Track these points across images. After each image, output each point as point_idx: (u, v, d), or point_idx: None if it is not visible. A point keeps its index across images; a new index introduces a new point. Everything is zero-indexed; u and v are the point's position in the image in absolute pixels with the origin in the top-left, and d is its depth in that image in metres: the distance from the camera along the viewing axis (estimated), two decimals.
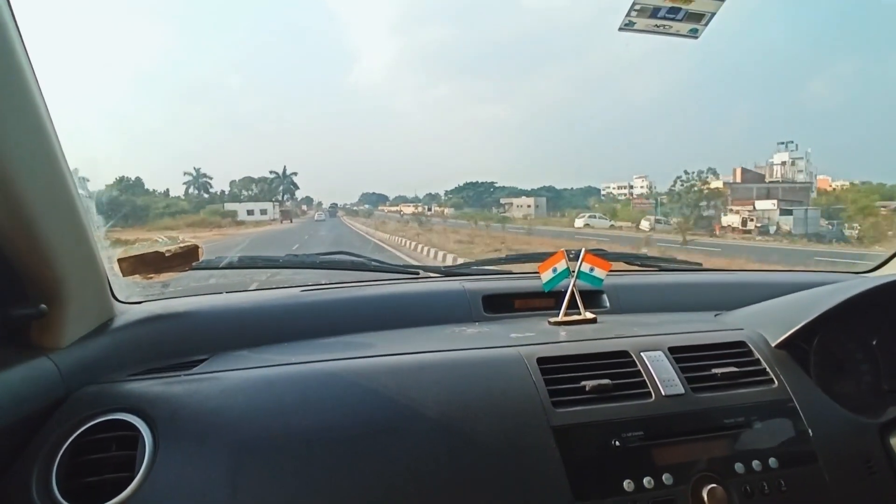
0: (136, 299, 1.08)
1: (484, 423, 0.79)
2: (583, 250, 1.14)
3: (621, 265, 1.47)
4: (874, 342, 1.13)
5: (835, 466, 0.85)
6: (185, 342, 0.99)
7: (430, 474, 0.74)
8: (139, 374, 0.88)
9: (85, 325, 0.90)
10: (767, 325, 1.02)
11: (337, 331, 1.08)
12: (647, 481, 0.78)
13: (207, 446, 0.73)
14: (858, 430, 0.90)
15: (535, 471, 0.76)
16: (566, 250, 1.15)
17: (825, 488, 0.83)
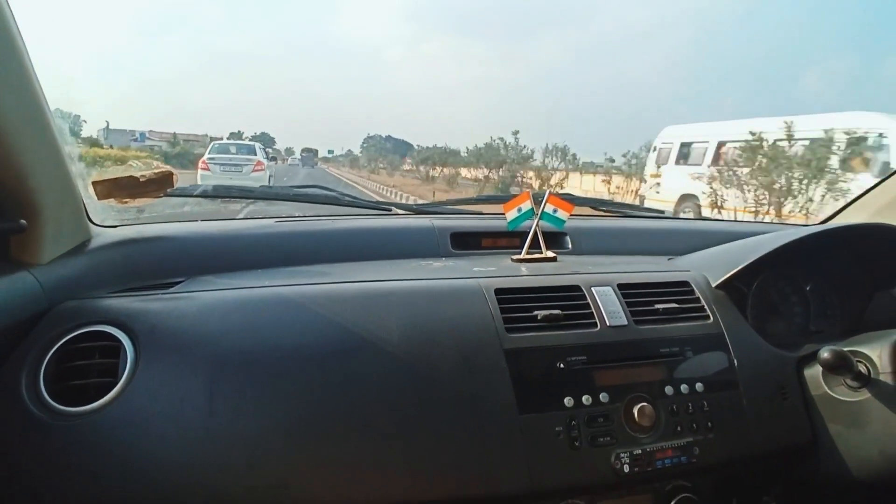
0: (111, 223, 1.11)
1: (443, 346, 0.86)
2: (547, 192, 1.19)
3: (587, 210, 1.53)
4: (808, 288, 1.23)
5: (753, 392, 0.95)
6: (161, 264, 1.03)
7: (393, 391, 0.81)
8: (117, 293, 0.92)
9: (63, 244, 0.93)
10: (711, 267, 1.10)
11: (309, 260, 1.12)
12: (586, 399, 0.87)
13: (185, 357, 0.79)
14: (779, 362, 1.00)
15: (487, 388, 0.84)
16: (532, 192, 1.21)
17: (742, 409, 0.94)
